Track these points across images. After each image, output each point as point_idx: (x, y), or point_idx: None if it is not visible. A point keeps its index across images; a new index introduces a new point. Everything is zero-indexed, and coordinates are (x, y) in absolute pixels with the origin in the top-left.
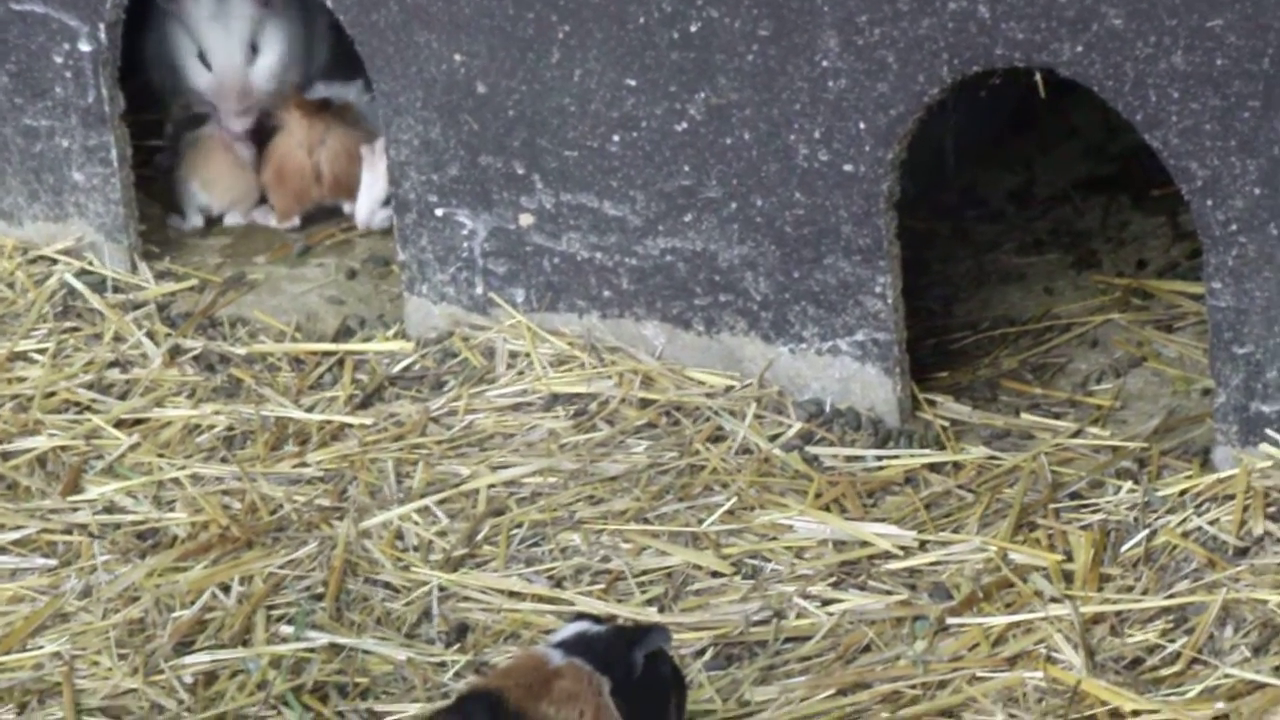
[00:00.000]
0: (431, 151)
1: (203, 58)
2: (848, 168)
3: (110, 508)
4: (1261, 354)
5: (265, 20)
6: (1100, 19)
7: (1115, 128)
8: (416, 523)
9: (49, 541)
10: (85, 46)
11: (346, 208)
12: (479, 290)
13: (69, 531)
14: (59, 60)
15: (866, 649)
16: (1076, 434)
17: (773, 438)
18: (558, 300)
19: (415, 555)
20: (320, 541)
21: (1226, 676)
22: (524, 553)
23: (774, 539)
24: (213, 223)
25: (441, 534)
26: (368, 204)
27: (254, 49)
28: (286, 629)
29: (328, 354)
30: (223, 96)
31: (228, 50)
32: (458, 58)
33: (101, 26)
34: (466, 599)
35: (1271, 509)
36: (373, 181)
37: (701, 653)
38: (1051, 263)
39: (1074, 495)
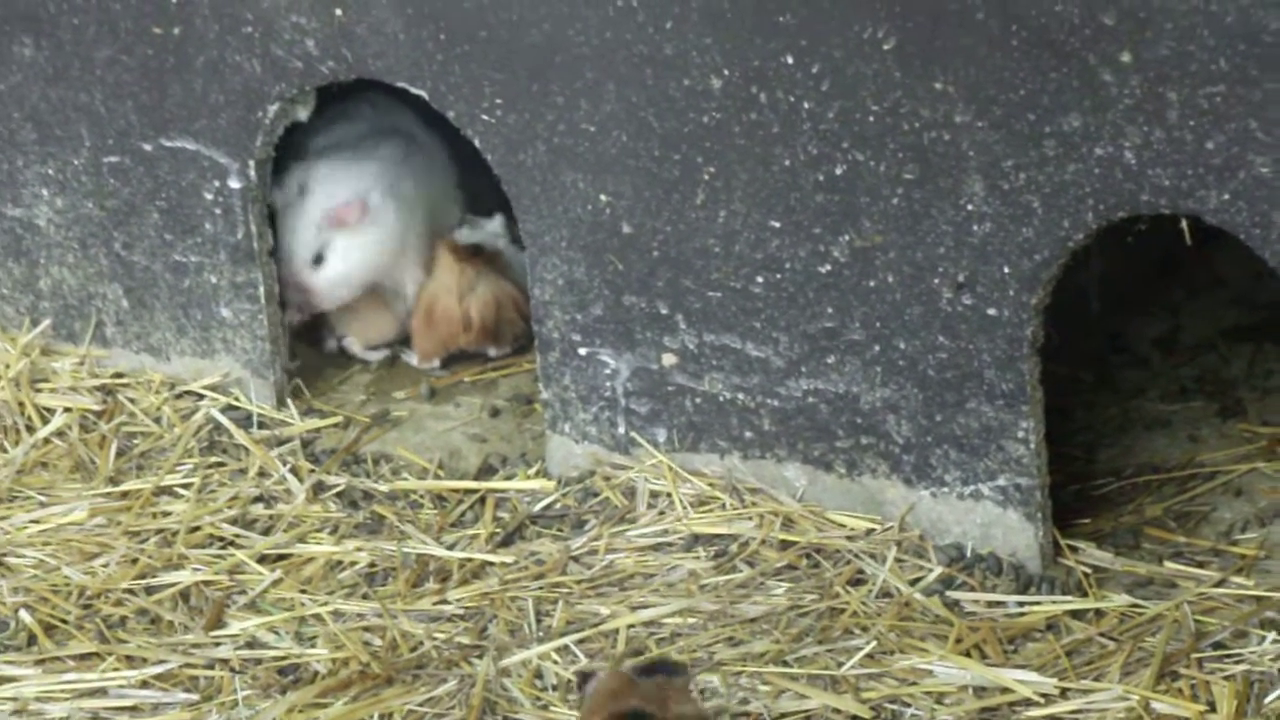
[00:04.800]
0: (576, 291)
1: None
2: (991, 312)
3: (252, 643)
4: None
5: (335, 235)
6: (1247, 167)
7: (1262, 275)
8: (556, 662)
9: (191, 676)
10: (235, 183)
11: (492, 351)
12: (621, 430)
13: (211, 666)
14: (209, 197)
15: None
16: (1220, 583)
17: (913, 582)
18: (699, 441)
19: (554, 695)
20: (460, 680)
21: None
22: None
23: (914, 684)
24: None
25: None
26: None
27: (319, 258)
28: None
29: (469, 492)
30: (285, 286)
31: (292, 249)
32: (603, 198)
33: (251, 163)
34: None
35: None
36: None
37: None
38: (1196, 410)
39: (1217, 645)
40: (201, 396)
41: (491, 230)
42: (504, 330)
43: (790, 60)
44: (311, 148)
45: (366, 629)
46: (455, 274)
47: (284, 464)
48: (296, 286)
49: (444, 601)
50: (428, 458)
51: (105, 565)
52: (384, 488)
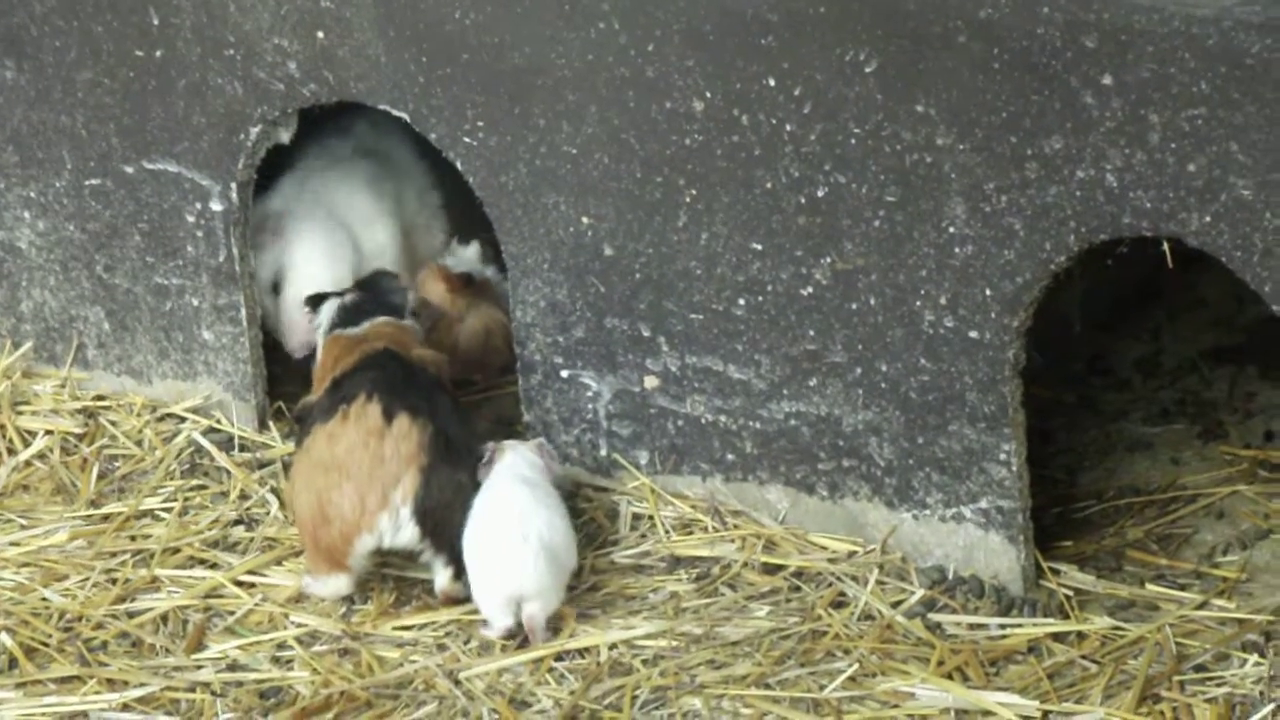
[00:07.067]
0: (558, 313)
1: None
2: (973, 334)
3: (233, 666)
4: None
5: (281, 253)
6: (1229, 189)
7: (1243, 298)
8: (539, 683)
9: (172, 699)
10: (217, 206)
11: (477, 379)
12: (603, 452)
13: (192, 689)
14: (190, 219)
15: None
16: (1202, 606)
17: (895, 604)
18: (681, 463)
19: (539, 717)
20: (439, 701)
21: None
22: (645, 716)
23: (896, 706)
24: None
25: (571, 693)
26: None
27: (275, 288)
28: None
29: None
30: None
31: (258, 275)
32: (585, 220)
33: (233, 186)
34: None
35: None
36: None
37: None
38: (1178, 433)
39: (1199, 668)
40: (183, 419)
41: (467, 257)
42: (491, 359)
43: (772, 83)
44: (297, 162)
45: (345, 651)
46: (446, 304)
47: (263, 486)
48: (266, 312)
49: (426, 625)
50: None
51: (86, 588)
52: None
